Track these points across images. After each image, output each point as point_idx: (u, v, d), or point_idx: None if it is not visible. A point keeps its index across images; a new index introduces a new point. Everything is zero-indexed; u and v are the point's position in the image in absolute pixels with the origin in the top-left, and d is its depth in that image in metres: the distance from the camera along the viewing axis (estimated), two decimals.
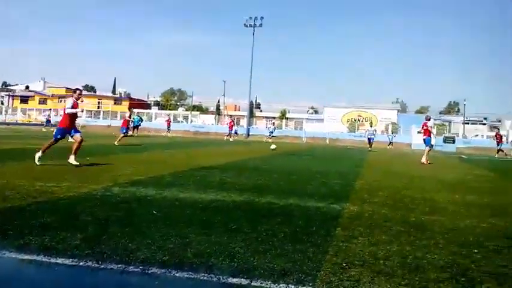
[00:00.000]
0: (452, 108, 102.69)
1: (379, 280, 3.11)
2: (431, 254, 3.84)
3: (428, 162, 16.52)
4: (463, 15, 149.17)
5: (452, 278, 3.22)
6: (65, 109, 9.35)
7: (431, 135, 17.38)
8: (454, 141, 42.78)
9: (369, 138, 29.00)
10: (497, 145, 31.48)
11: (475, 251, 4.04)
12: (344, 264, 3.42)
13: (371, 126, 34.01)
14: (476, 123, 79.84)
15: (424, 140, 17.34)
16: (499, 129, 38.22)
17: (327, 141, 47.95)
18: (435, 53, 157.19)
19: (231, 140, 34.89)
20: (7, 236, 3.75)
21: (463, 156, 26.97)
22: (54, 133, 9.45)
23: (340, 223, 4.97)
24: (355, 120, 68.06)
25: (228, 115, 76.28)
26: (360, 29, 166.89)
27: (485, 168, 16.73)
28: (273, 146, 22.17)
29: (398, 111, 72.09)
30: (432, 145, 17.74)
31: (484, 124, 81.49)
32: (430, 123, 17.36)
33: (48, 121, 42.99)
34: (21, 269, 3.19)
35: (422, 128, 17.50)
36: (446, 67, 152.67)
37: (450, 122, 74.85)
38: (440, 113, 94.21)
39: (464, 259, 3.74)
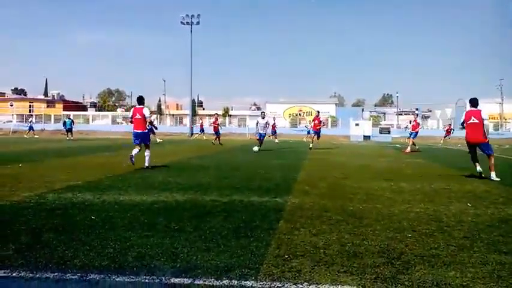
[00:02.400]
0: (386, 100, 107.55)
1: (319, 269, 3.20)
2: (369, 241, 4.01)
3: (412, 151, 19.75)
4: (392, 13, 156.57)
5: (388, 262, 3.38)
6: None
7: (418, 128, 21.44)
8: (389, 132, 44.88)
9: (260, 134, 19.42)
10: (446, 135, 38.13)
11: (409, 235, 4.26)
12: (286, 256, 3.49)
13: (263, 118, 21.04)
14: (408, 114, 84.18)
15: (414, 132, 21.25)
16: (450, 125, 43.38)
17: (272, 138, 48.35)
18: (368, 50, 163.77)
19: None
20: None
21: (398, 146, 28.35)
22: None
23: (283, 216, 5.06)
24: (296, 115, 69.46)
25: (170, 114, 75.09)
26: (298, 25, 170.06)
27: (418, 156, 17.67)
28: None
29: (336, 104, 74.41)
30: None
31: (417, 114, 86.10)
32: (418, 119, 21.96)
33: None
34: None
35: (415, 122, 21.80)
36: (379, 62, 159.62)
37: (385, 113, 78.45)
38: (375, 105, 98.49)
39: (399, 243, 3.94)
